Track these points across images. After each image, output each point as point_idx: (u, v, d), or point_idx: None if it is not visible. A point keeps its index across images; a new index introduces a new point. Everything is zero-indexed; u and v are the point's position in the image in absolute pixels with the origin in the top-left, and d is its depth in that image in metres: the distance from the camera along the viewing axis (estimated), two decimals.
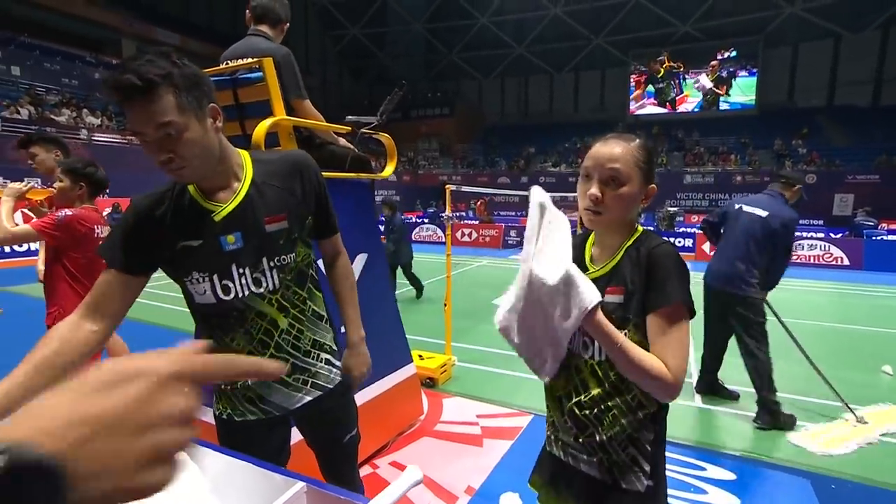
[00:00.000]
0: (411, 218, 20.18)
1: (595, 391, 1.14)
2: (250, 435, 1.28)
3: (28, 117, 14.58)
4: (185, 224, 1.15)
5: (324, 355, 1.33)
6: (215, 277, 1.17)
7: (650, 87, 30.51)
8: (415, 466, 0.82)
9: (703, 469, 2.71)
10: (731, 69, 28.58)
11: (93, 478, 0.28)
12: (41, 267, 2.86)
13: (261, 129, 2.05)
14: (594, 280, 1.16)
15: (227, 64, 2.24)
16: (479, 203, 18.82)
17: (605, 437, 1.14)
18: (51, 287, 2.60)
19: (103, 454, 0.29)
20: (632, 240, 1.17)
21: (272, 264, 1.20)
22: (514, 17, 30.77)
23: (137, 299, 1.18)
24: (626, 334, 1.09)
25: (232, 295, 1.19)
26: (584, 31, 30.64)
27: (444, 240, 14.28)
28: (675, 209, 14.90)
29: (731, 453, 2.91)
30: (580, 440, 1.17)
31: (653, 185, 1.16)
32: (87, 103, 17.29)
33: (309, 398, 1.30)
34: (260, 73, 2.10)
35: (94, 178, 2.56)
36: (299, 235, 1.25)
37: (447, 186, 4.32)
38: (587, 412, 1.14)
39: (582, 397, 1.15)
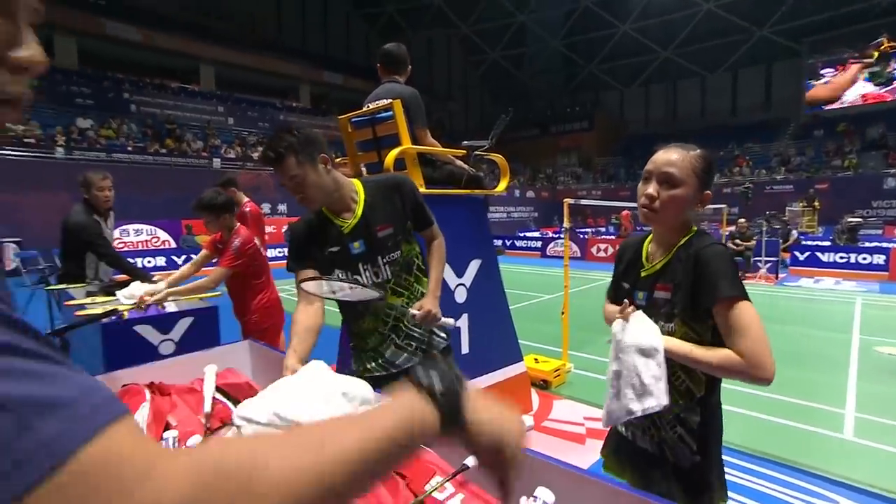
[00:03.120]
0: (547, 233, 20.18)
1: None
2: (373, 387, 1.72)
3: (235, 156, 18.36)
4: (327, 237, 1.65)
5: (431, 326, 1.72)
6: (348, 273, 1.66)
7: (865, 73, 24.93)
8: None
9: None
10: None
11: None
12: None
13: (391, 156, 2.58)
14: (647, 276, 1.34)
15: (367, 107, 2.85)
16: (624, 213, 17.89)
17: (656, 416, 1.28)
18: (241, 300, 3.15)
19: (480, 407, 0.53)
20: (684, 240, 1.28)
21: (385, 261, 1.65)
22: (658, 21, 28.89)
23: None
24: (674, 326, 1.24)
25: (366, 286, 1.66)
26: (744, 23, 27.31)
27: (578, 254, 14.08)
28: (858, 220, 12.36)
29: (880, 492, 2.56)
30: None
31: (708, 192, 1.28)
32: None
33: (418, 360, 1.71)
34: (391, 113, 2.65)
35: (224, 205, 2.97)
36: (403, 237, 1.67)
37: (565, 200, 4.52)
38: None
39: None
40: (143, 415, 1.29)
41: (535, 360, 4.15)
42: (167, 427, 1.26)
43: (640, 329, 1.24)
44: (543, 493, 0.75)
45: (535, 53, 33.74)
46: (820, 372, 4.44)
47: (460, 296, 3.09)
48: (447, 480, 0.84)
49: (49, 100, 16.07)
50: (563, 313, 4.37)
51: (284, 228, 15.30)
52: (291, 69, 25.39)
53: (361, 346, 1.74)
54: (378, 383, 1.71)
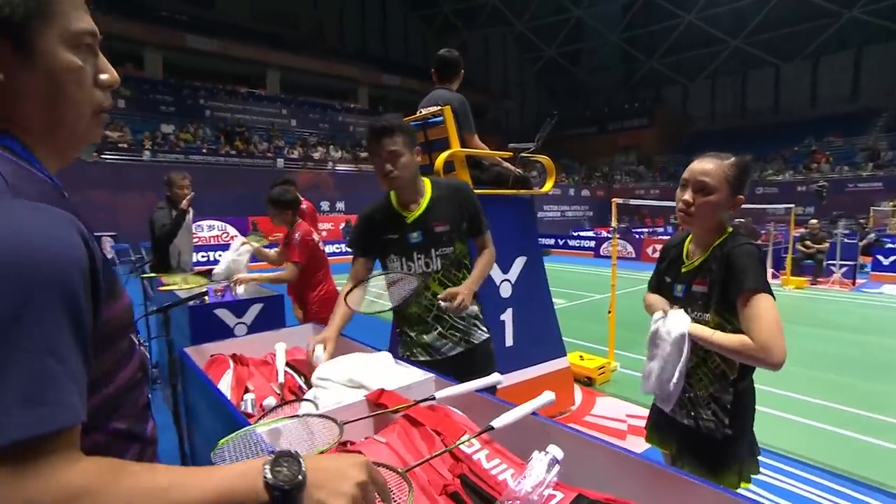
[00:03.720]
0: (601, 233, 19.70)
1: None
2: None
3: (297, 156, 19.36)
4: (389, 224, 1.86)
5: (473, 319, 1.91)
6: (403, 259, 1.85)
7: None
8: (550, 392, 1.16)
9: None
10: None
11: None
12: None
13: (441, 158, 2.76)
14: (686, 272, 1.49)
15: (420, 112, 3.04)
16: None
17: (693, 395, 1.46)
18: (301, 292, 3.40)
19: (326, 482, 0.57)
20: (720, 240, 1.42)
21: (437, 253, 1.83)
22: (728, 8, 27.20)
23: None
24: (708, 316, 1.39)
25: (412, 272, 1.84)
26: (831, 6, 25.12)
27: (633, 255, 13.68)
28: None
29: None
30: None
31: (740, 197, 1.41)
32: (333, 141, 21.99)
33: (460, 349, 1.88)
34: (442, 118, 2.83)
35: (287, 201, 3.26)
36: (457, 235, 1.85)
37: (614, 200, 4.51)
38: None
39: None
40: (227, 380, 1.55)
41: (581, 357, 4.20)
42: (246, 390, 1.51)
43: (675, 321, 1.43)
44: (554, 450, 0.89)
45: (593, 49, 32.89)
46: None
47: (505, 291, 3.22)
48: (474, 437, 1.00)
49: (139, 108, 17.75)
50: (609, 312, 4.38)
51: (342, 225, 16.01)
52: (351, 72, 26.34)
53: (408, 331, 1.93)
54: (422, 367, 1.90)
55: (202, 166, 15.39)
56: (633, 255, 13.75)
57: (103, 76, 0.67)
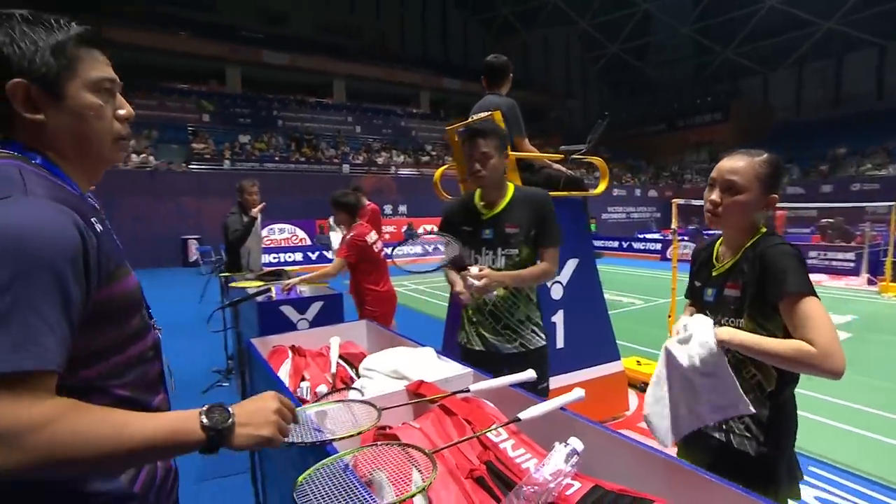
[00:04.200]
0: (668, 235, 18.72)
1: None
2: (472, 359, 1.94)
3: (362, 161, 20.12)
4: (467, 218, 1.99)
5: (531, 325, 1.97)
6: (472, 251, 1.97)
7: None
8: (580, 389, 1.20)
9: None
10: None
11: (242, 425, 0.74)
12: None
13: None
14: (717, 276, 1.41)
15: (472, 118, 3.12)
16: (779, 213, 15.86)
17: None
18: (357, 289, 3.60)
19: (251, 420, 0.75)
20: (752, 240, 1.34)
21: (503, 252, 1.92)
22: None
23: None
24: (742, 322, 1.30)
25: (477, 265, 1.91)
26: None
27: None
28: None
29: None
30: None
31: (774, 196, 1.33)
32: (395, 146, 22.61)
33: (514, 350, 1.94)
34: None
35: (345, 203, 3.50)
36: (524, 240, 1.90)
37: (673, 201, 4.35)
38: None
39: None
40: (286, 369, 1.71)
41: (638, 362, 4.08)
42: (303, 378, 1.66)
43: (699, 332, 1.29)
44: (574, 442, 0.93)
45: (661, 43, 31.29)
46: None
47: (556, 293, 3.22)
48: (501, 426, 1.06)
49: (221, 121, 19.31)
50: (669, 317, 4.22)
51: (404, 228, 16.46)
52: (413, 78, 26.94)
53: (468, 319, 2.02)
54: (474, 356, 1.96)
55: (274, 173, 16.43)
56: None
57: (121, 111, 0.85)
